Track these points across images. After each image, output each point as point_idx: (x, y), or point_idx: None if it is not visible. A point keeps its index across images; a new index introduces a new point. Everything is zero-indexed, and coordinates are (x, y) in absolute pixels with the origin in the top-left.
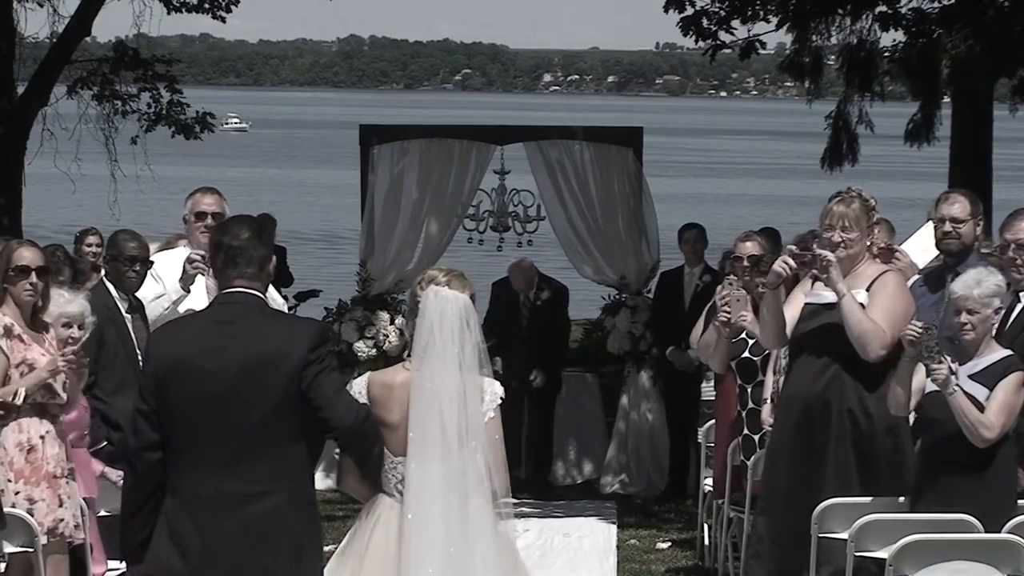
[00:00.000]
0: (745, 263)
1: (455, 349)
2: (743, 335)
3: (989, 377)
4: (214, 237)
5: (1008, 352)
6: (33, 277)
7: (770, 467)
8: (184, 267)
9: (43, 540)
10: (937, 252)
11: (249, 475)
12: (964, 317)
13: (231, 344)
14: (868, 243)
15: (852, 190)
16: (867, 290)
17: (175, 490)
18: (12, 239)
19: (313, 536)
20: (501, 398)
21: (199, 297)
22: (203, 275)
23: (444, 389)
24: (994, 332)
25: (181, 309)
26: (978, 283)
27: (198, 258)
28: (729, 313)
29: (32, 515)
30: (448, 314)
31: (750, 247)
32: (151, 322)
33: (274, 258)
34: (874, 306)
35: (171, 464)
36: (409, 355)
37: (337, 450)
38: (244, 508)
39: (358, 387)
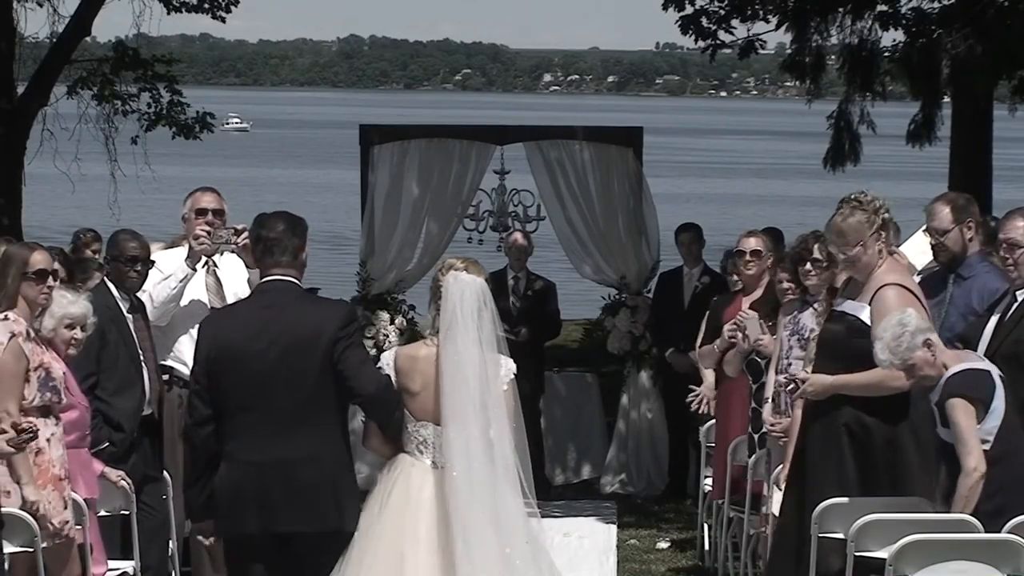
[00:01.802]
0: (748, 257)
1: (475, 326)
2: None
3: (940, 407)
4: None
5: (947, 375)
6: (50, 281)
7: (788, 477)
8: (190, 244)
9: (53, 542)
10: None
11: (295, 443)
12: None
13: (273, 327)
14: (878, 248)
15: (852, 198)
16: (870, 303)
17: (230, 457)
18: (15, 241)
19: (351, 491)
20: (514, 373)
21: (199, 291)
22: (207, 255)
23: (468, 362)
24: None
25: (184, 301)
26: (891, 349)
27: (203, 234)
28: (735, 335)
29: (46, 515)
30: (467, 295)
31: (753, 242)
32: (160, 303)
33: (307, 249)
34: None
35: (226, 435)
36: (432, 333)
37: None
38: (293, 471)
39: (386, 359)
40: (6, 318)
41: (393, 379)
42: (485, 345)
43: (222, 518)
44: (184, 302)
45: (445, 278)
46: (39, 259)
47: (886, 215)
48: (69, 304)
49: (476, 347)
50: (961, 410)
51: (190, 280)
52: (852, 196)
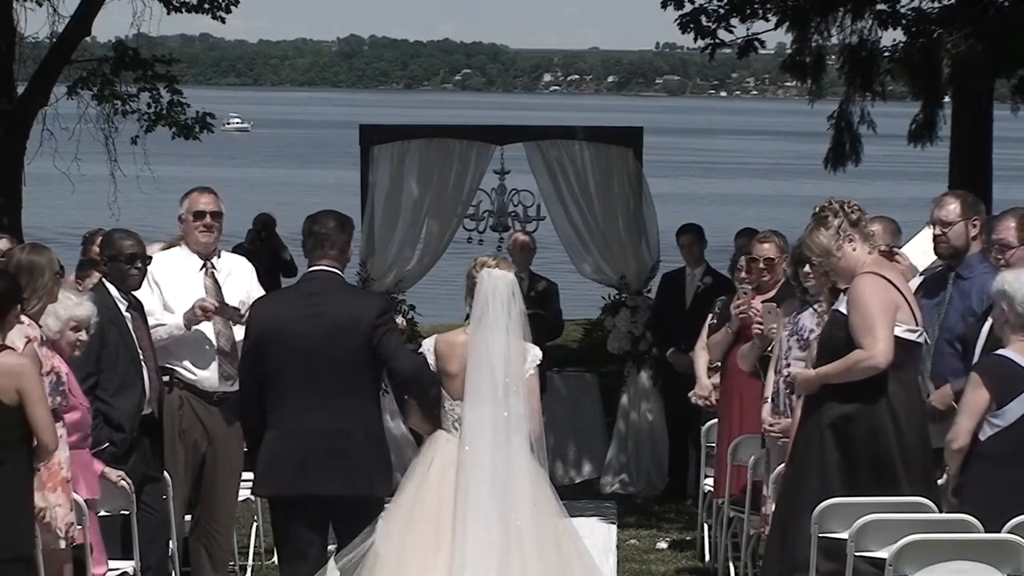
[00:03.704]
0: (761, 265)
1: (504, 316)
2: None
3: None
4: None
5: (994, 352)
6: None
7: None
8: (195, 310)
9: (63, 544)
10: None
11: (332, 415)
12: None
13: (317, 312)
14: (853, 247)
15: (816, 211)
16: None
17: (274, 426)
18: (15, 240)
19: (382, 461)
20: (540, 359)
21: (197, 293)
22: (207, 321)
23: (495, 349)
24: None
25: (184, 304)
26: (1003, 280)
27: (211, 307)
28: (762, 325)
29: (54, 520)
30: (499, 289)
31: (767, 248)
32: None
33: (351, 244)
34: (853, 326)
35: (271, 407)
36: (468, 322)
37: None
38: (329, 439)
39: (427, 345)
40: (20, 322)
41: (432, 363)
42: (513, 333)
43: (263, 480)
44: (184, 305)
45: (479, 274)
46: (54, 256)
47: (853, 215)
48: (75, 306)
49: (504, 335)
50: (971, 384)
51: (180, 334)
52: (816, 209)
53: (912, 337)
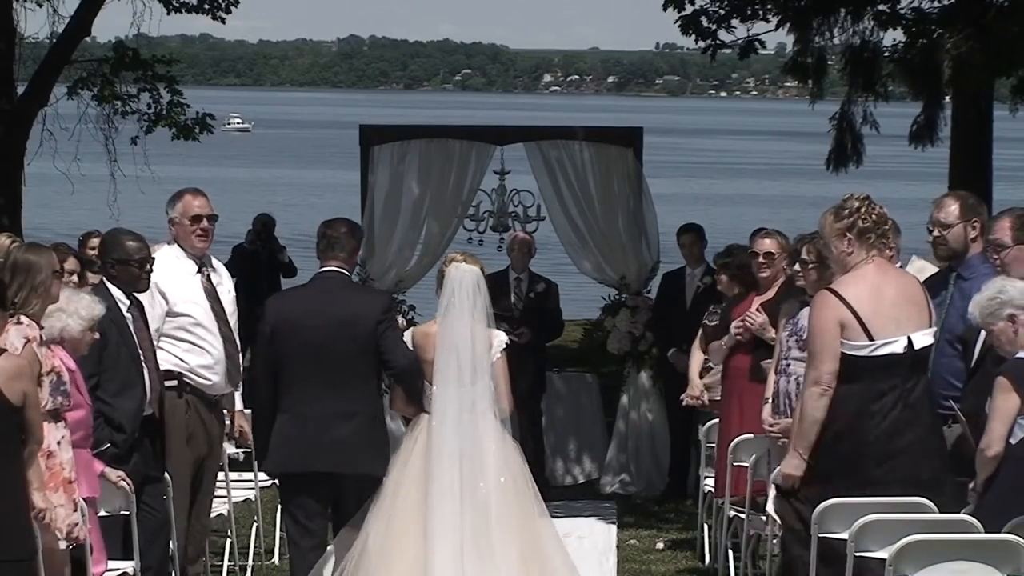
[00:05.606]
0: (761, 259)
1: (469, 305)
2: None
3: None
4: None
5: (1018, 355)
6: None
7: None
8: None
9: (63, 545)
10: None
11: (338, 400)
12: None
13: (327, 308)
14: (848, 251)
15: (848, 198)
16: None
17: (286, 410)
18: (17, 238)
19: (384, 442)
20: (506, 343)
21: (197, 295)
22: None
23: (460, 334)
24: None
25: (185, 307)
26: (981, 308)
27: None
28: (743, 333)
29: (54, 521)
30: (465, 281)
31: (768, 244)
32: None
33: (360, 250)
34: None
35: (283, 392)
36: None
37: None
38: (335, 423)
39: (405, 338)
40: (19, 322)
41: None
42: (478, 321)
43: (275, 459)
44: (185, 308)
45: (448, 268)
46: (54, 256)
47: (863, 224)
48: (92, 305)
49: (468, 322)
50: (1000, 389)
51: None
52: (846, 195)
53: (860, 353)
